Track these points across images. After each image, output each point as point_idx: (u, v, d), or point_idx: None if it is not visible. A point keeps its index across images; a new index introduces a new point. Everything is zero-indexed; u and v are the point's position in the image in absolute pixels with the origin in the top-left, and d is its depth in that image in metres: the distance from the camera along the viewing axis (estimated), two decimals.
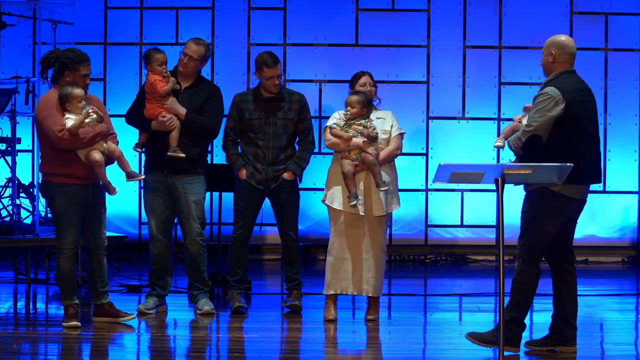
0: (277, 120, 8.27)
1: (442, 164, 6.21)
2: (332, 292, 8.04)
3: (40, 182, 7.80)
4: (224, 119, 8.42)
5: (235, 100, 8.37)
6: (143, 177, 7.97)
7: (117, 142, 7.72)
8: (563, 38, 6.90)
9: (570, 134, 6.71)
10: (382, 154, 7.97)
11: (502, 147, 6.89)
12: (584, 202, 6.90)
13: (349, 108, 7.96)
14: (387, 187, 7.87)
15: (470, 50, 12.06)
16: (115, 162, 7.69)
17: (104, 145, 7.55)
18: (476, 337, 6.91)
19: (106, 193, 7.70)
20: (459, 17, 12.09)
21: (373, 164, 7.86)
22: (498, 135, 7.03)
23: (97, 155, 7.48)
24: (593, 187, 6.76)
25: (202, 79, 8.35)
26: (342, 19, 12.09)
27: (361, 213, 7.89)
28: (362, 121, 7.93)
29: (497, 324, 6.81)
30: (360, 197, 7.88)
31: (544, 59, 6.90)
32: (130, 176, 7.75)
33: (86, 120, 7.44)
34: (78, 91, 7.47)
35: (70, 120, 7.42)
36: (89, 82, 7.62)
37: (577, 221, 6.98)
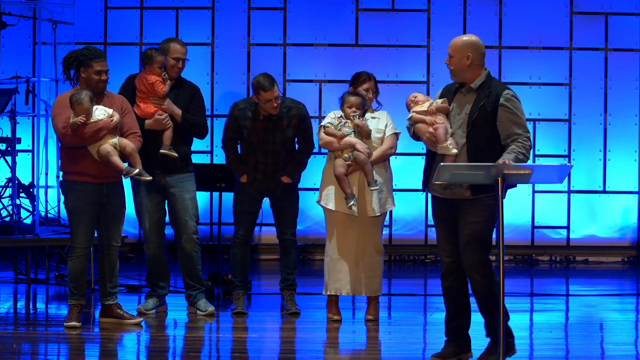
0: (276, 139, 8.21)
1: (442, 163, 6.20)
2: (328, 292, 8.05)
3: (60, 180, 7.83)
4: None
5: (234, 114, 8.24)
6: (150, 178, 7.71)
7: (140, 142, 7.67)
8: (475, 38, 6.52)
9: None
10: (376, 153, 7.94)
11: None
12: (446, 200, 6.56)
13: (350, 108, 7.92)
14: (378, 187, 7.84)
15: None
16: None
17: (114, 140, 7.51)
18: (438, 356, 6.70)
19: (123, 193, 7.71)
20: (459, 17, 12.08)
21: (364, 162, 7.83)
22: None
23: (107, 147, 7.46)
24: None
25: (182, 79, 8.33)
26: (342, 19, 12.09)
27: (355, 214, 7.89)
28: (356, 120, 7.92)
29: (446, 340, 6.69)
30: (356, 196, 7.87)
31: (457, 62, 6.40)
32: (138, 174, 7.63)
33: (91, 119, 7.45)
34: (85, 103, 7.41)
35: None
36: (105, 79, 7.64)
37: (465, 225, 6.49)
